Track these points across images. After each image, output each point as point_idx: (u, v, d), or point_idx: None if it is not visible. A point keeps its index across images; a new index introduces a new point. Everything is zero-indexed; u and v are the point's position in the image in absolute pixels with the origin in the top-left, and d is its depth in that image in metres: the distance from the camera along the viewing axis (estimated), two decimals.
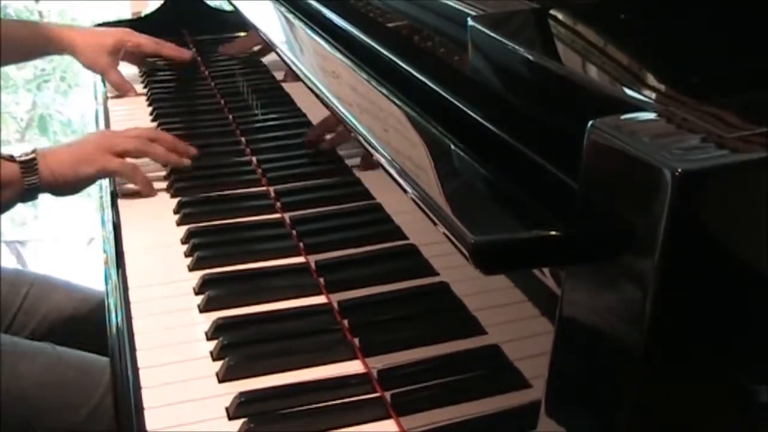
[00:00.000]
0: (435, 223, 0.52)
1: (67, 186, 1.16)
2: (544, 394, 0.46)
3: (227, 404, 0.76)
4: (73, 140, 1.26)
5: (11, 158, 1.10)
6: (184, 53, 1.58)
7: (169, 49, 1.57)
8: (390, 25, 0.86)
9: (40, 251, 2.70)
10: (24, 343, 1.14)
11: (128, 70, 1.59)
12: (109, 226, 1.11)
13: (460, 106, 0.62)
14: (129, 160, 1.17)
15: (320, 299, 0.91)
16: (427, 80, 0.68)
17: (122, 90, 1.53)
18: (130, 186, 1.18)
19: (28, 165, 1.10)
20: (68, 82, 2.86)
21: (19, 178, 1.10)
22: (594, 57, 0.55)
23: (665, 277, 0.37)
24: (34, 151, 1.11)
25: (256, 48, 1.37)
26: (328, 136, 1.04)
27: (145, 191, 1.17)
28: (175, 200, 1.14)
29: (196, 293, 0.93)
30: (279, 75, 1.25)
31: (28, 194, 1.12)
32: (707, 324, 0.39)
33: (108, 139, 1.18)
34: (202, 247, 1.01)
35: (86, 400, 1.06)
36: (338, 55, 0.86)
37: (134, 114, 1.46)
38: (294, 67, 0.93)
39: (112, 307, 0.94)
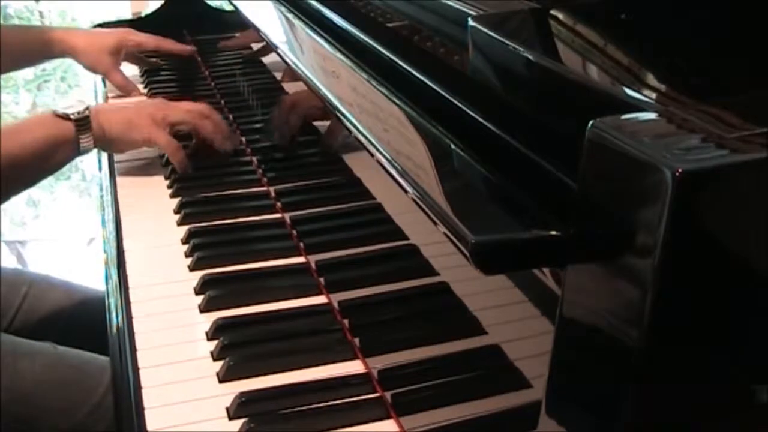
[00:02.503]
0: (435, 223, 0.52)
1: (113, 146, 1.18)
2: (544, 394, 0.46)
3: (228, 404, 0.76)
4: (128, 103, 1.27)
5: (66, 116, 1.10)
6: (186, 48, 1.59)
7: (170, 44, 1.57)
8: (390, 24, 0.86)
9: (41, 251, 2.70)
10: (24, 343, 1.14)
11: (129, 71, 1.59)
12: (110, 226, 1.11)
13: (461, 106, 0.61)
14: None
15: (320, 299, 0.91)
16: (427, 80, 0.68)
17: (126, 90, 1.53)
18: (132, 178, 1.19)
19: (82, 123, 1.11)
20: (68, 83, 2.87)
21: (74, 136, 1.10)
22: (594, 57, 0.55)
23: (665, 277, 0.37)
24: (87, 108, 1.12)
25: (254, 45, 1.37)
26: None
27: (181, 170, 1.19)
28: (176, 200, 1.14)
29: (197, 293, 0.94)
30: (279, 75, 1.25)
31: (81, 152, 1.13)
32: (707, 324, 0.39)
33: (162, 110, 1.19)
34: (203, 247, 1.01)
35: (86, 399, 1.06)
36: (338, 54, 0.86)
37: None
38: (294, 67, 0.93)
39: (112, 307, 0.94)
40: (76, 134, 1.10)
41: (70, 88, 2.87)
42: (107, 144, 1.16)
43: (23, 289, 1.30)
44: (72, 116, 1.10)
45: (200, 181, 1.19)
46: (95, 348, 1.10)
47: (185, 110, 1.20)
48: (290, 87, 1.17)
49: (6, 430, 1.04)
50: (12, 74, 2.77)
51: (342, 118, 0.73)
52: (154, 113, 1.17)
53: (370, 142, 0.66)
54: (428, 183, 0.56)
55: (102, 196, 1.21)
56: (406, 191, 0.57)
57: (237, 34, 1.57)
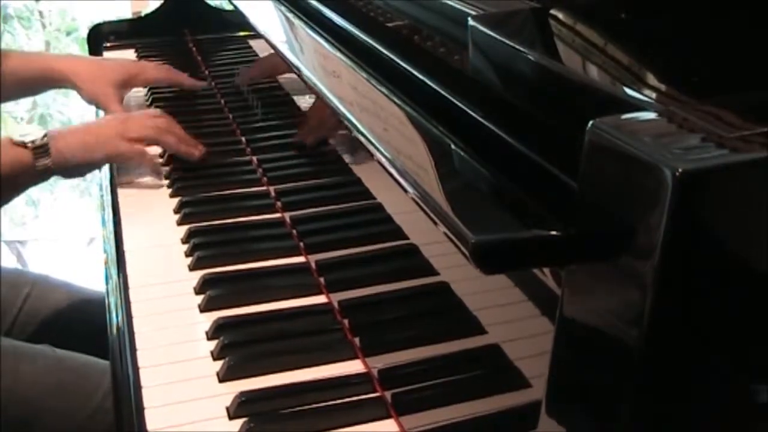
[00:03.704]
0: (435, 223, 0.52)
1: (77, 169, 1.17)
2: (544, 393, 0.46)
3: (228, 404, 0.76)
4: (87, 122, 1.25)
5: (23, 144, 1.10)
6: (197, 84, 1.47)
7: (182, 78, 1.46)
8: (390, 24, 0.86)
9: (41, 251, 2.70)
10: (24, 346, 1.14)
11: None
12: (110, 226, 1.11)
13: (461, 105, 0.62)
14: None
15: (321, 299, 0.91)
16: (427, 80, 0.68)
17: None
18: (134, 180, 1.19)
19: (40, 150, 1.10)
20: None
21: (32, 163, 1.10)
22: (594, 56, 0.55)
23: (665, 276, 0.37)
24: (45, 136, 1.11)
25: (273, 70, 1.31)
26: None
27: (154, 176, 1.18)
28: (176, 200, 1.14)
29: (197, 293, 0.93)
30: (279, 76, 1.25)
31: (42, 178, 1.12)
32: (707, 324, 0.39)
33: (122, 123, 1.17)
34: (203, 247, 1.01)
35: (86, 402, 1.06)
36: (339, 54, 0.86)
37: None
38: (294, 67, 0.93)
39: (112, 306, 0.94)
40: (34, 161, 1.09)
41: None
42: (70, 168, 1.14)
43: (25, 290, 1.30)
44: (28, 145, 1.10)
45: (200, 181, 1.19)
46: (95, 348, 1.10)
47: (144, 125, 1.18)
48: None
49: (6, 431, 1.04)
50: None
51: (342, 117, 0.73)
52: (113, 129, 1.16)
53: (371, 141, 0.66)
54: (428, 183, 0.56)
55: (102, 196, 1.21)
56: (406, 191, 0.57)
57: (240, 34, 1.55)
